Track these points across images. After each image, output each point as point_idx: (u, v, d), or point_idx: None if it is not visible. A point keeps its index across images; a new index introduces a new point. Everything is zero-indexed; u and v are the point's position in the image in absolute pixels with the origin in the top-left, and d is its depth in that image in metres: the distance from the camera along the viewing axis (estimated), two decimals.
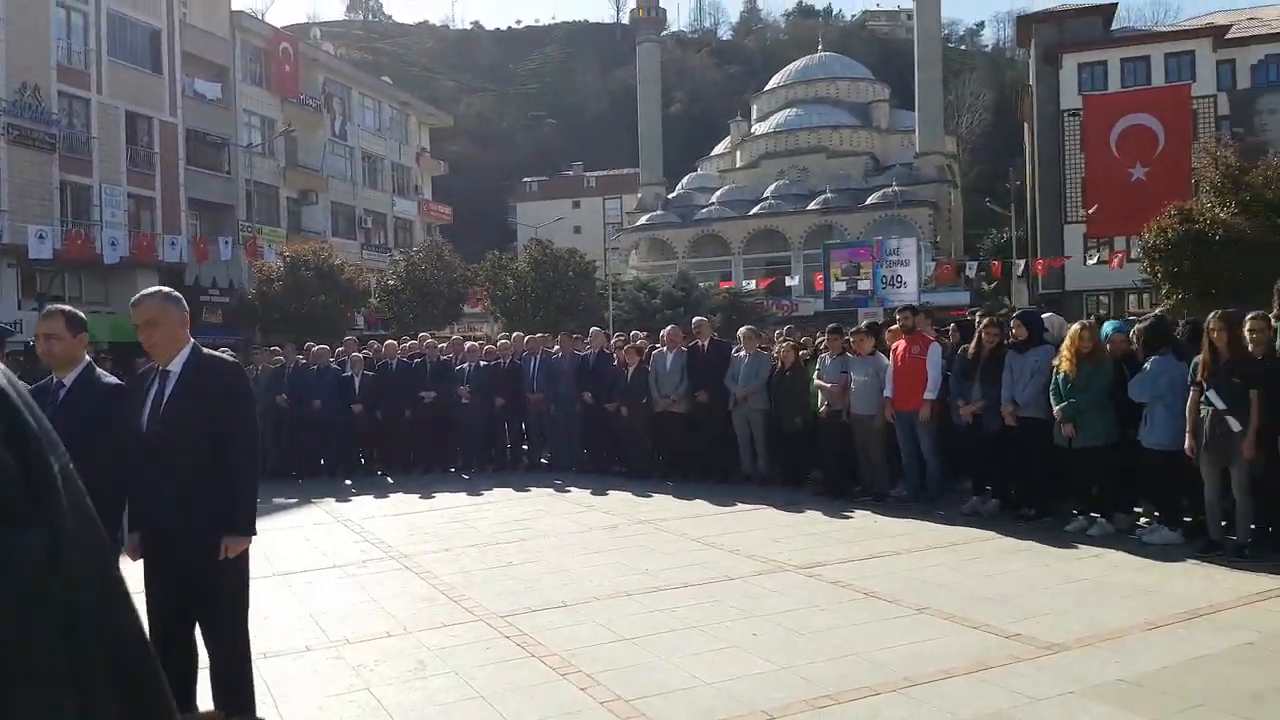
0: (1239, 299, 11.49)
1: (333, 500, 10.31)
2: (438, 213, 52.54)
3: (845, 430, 9.47)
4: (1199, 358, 6.54)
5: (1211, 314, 6.60)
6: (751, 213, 60.38)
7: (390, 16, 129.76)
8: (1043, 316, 8.92)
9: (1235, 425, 6.28)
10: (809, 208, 58.67)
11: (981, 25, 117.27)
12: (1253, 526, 6.53)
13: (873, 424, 9.15)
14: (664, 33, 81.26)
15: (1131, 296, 38.01)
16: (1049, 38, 46.38)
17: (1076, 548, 7.00)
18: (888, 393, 8.99)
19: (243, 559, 3.48)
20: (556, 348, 12.52)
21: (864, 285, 45.10)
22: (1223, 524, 6.63)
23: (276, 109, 39.24)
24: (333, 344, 14.40)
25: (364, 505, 10.03)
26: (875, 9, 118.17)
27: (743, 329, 11.63)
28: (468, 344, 13.32)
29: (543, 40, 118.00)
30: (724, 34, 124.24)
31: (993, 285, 46.11)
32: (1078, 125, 44.76)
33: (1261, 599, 5.42)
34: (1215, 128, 40.37)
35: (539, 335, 13.58)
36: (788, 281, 51.56)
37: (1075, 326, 7.72)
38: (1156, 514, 7.35)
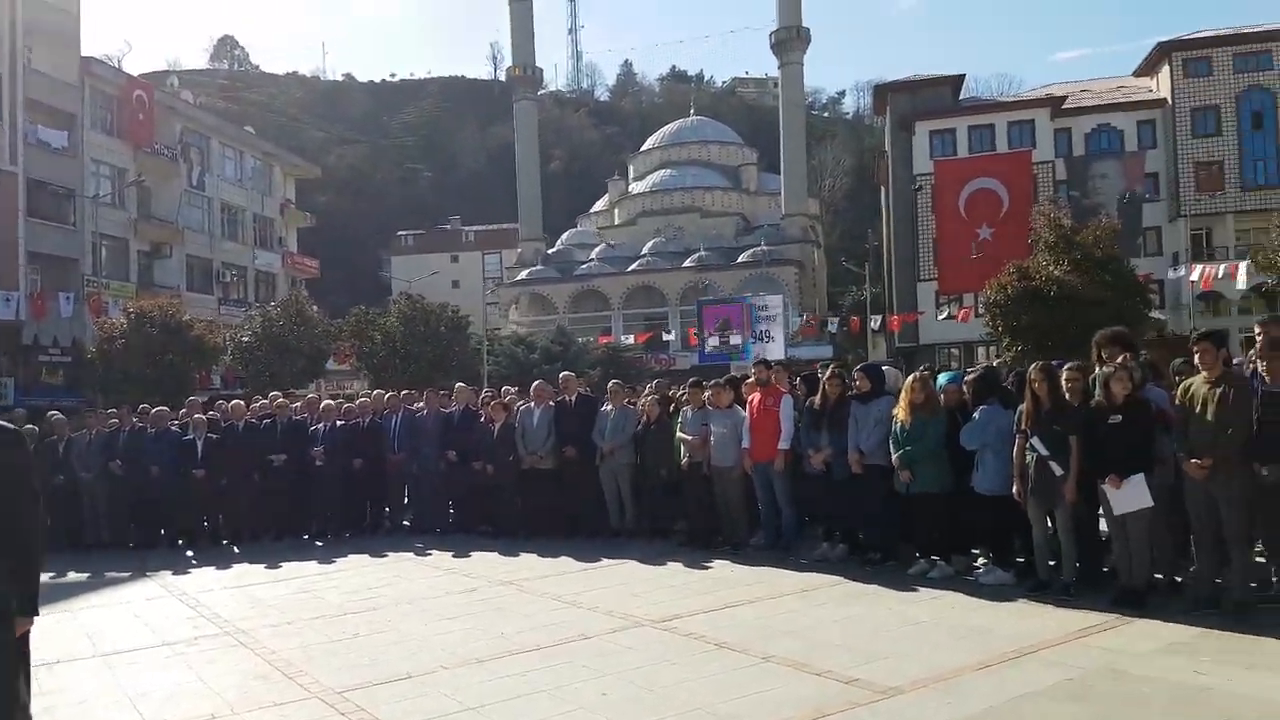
0: (1072, 350, 12.34)
1: (169, 573, 9.65)
2: (303, 265, 51.08)
3: (706, 481, 9.59)
4: (1023, 406, 6.95)
5: (1033, 365, 7.04)
6: (630, 269, 61.31)
7: (257, 66, 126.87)
8: (882, 369, 9.33)
9: (1057, 470, 6.66)
10: (684, 265, 60.01)
11: (843, 94, 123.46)
12: (1076, 565, 6.91)
13: (732, 474, 9.30)
14: (541, 92, 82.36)
15: (980, 349, 40.35)
16: (903, 106, 49.40)
17: (917, 590, 7.24)
18: (745, 444, 9.17)
19: (22, 641, 3.20)
20: (420, 404, 12.25)
21: (735, 340, 46.30)
22: (1051, 564, 6.99)
23: (129, 158, 37.60)
24: (179, 405, 13.65)
25: (203, 577, 9.45)
26: (744, 76, 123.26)
27: (611, 383, 11.72)
28: (323, 403, 12.86)
29: (418, 94, 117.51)
30: (601, 95, 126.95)
31: (856, 338, 47.98)
32: (929, 189, 47.66)
33: (1083, 635, 5.71)
34: (1054, 191, 43.67)
35: (403, 392, 13.27)
36: (665, 336, 52.41)
37: (909, 379, 8.10)
38: (991, 556, 7.68)
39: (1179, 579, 6.76)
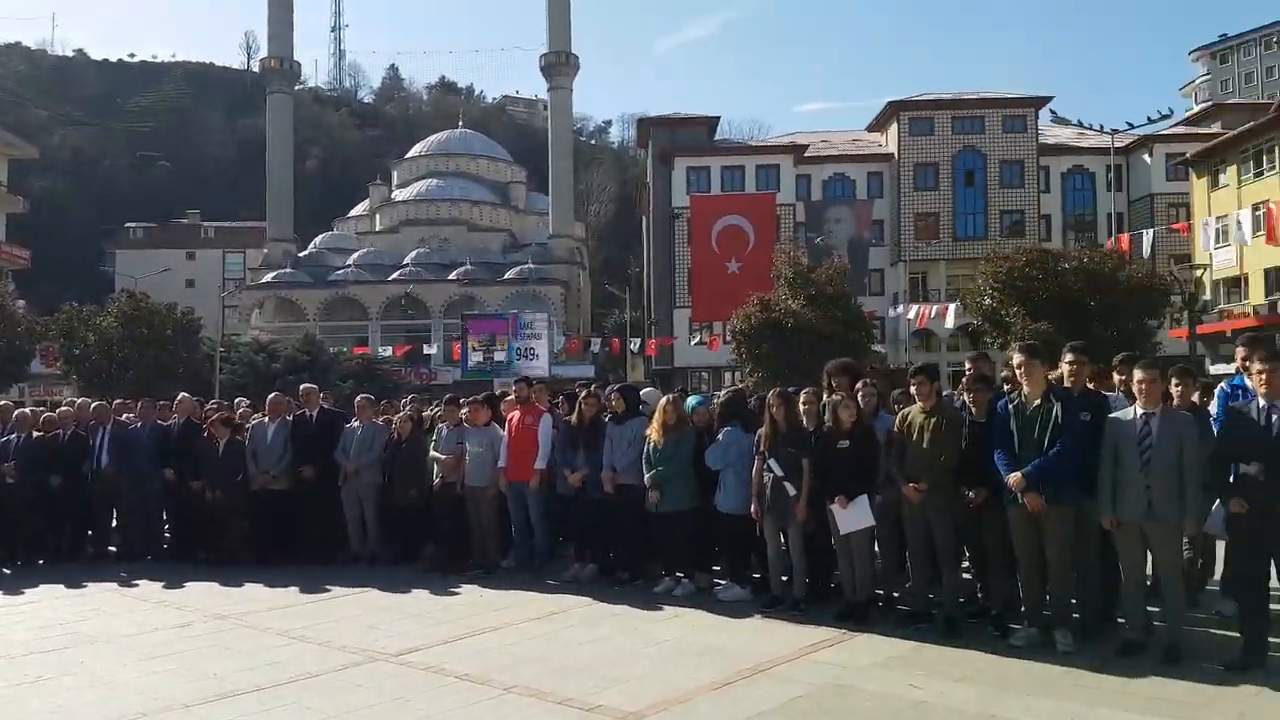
0: (806, 378, 13.18)
1: None
2: (10, 255, 44.94)
3: (460, 503, 9.26)
4: (762, 429, 7.26)
5: (771, 391, 7.39)
6: (391, 278, 59.17)
7: None
8: (641, 391, 9.47)
9: (791, 490, 7.01)
10: (450, 277, 58.81)
11: (609, 123, 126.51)
12: (806, 581, 7.27)
13: (486, 494, 9.04)
14: (299, 86, 77.97)
15: (728, 374, 42.67)
16: (663, 141, 51.43)
17: (662, 609, 7.33)
18: (501, 463, 8.94)
19: None
20: (134, 416, 10.95)
21: (500, 356, 45.95)
22: (785, 579, 7.32)
23: None
24: None
25: None
26: (515, 95, 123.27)
27: (359, 397, 11.03)
28: (16, 411, 11.18)
29: (159, 78, 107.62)
30: (365, 97, 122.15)
31: (620, 359, 49.12)
32: (686, 222, 49.94)
33: (813, 650, 5.98)
34: (794, 232, 47.06)
35: (115, 401, 11.82)
36: (426, 350, 51.01)
37: (662, 400, 8.26)
38: (730, 573, 7.92)
39: (896, 594, 7.29)
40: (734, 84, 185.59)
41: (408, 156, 75.24)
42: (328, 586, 8.63)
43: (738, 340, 24.41)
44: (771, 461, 7.13)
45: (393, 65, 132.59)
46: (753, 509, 7.24)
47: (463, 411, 9.51)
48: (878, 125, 53.65)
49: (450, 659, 6.01)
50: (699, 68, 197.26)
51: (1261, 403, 5.19)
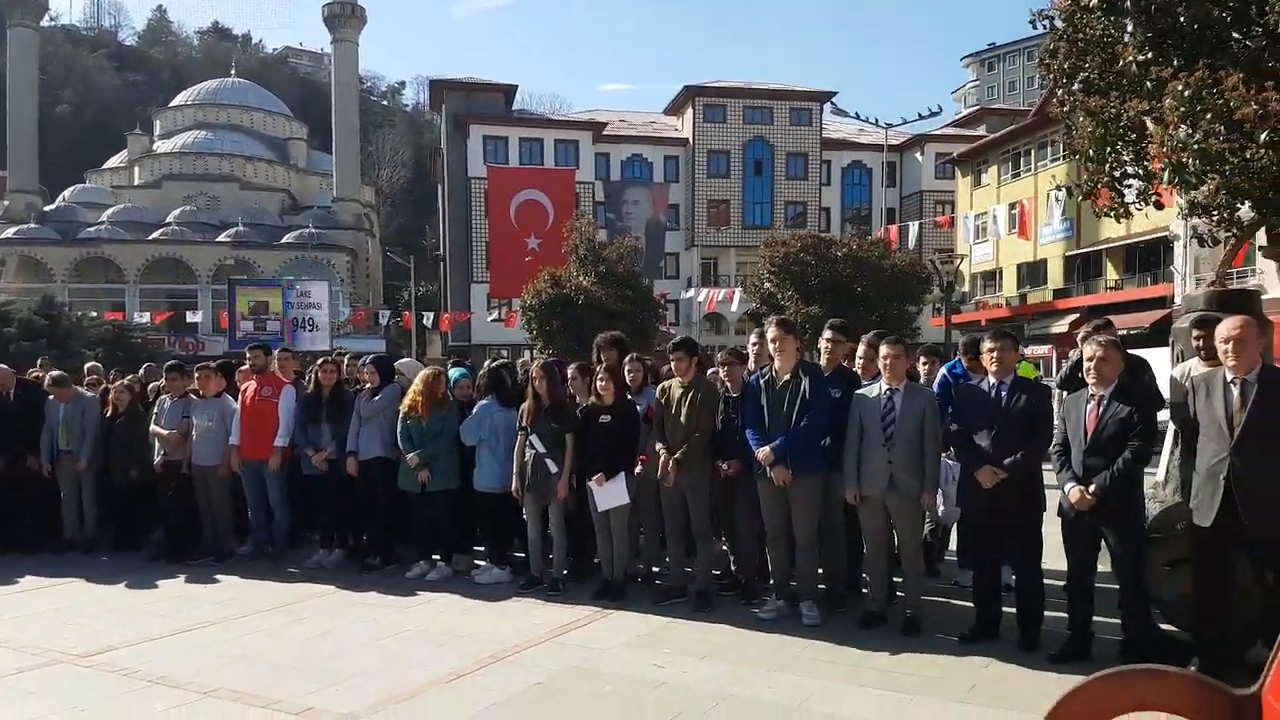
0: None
1: None
2: None
3: (187, 483, 8.27)
4: (525, 404, 6.89)
5: (534, 364, 7.04)
6: (151, 237, 53.74)
7: None
8: (398, 362, 8.85)
9: (553, 467, 6.69)
10: (219, 239, 54.20)
11: (403, 85, 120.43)
12: (569, 559, 7.00)
13: (216, 474, 8.12)
14: (48, 22, 69.29)
15: (527, 352, 42.15)
16: (458, 106, 49.77)
17: (415, 595, 6.83)
18: (234, 440, 8.05)
19: None
20: None
21: (274, 326, 42.98)
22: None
23: None
24: None
25: None
26: (297, 47, 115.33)
27: (90, 366, 9.67)
28: None
29: None
30: (126, 38, 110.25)
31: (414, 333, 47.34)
32: (483, 193, 48.73)
33: (563, 632, 5.70)
34: (593, 212, 47.09)
35: None
36: (191, 317, 46.95)
37: (425, 372, 7.70)
38: (489, 554, 7.52)
39: (657, 569, 7.15)
40: (533, 58, 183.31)
41: (172, 105, 68.52)
42: (22, 577, 7.47)
43: (528, 316, 23.99)
44: (533, 438, 6.78)
45: (160, 6, 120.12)
46: (514, 487, 6.88)
47: (193, 382, 8.49)
48: (674, 109, 54.54)
49: (150, 660, 5.24)
50: (498, 37, 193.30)
51: (992, 379, 5.38)
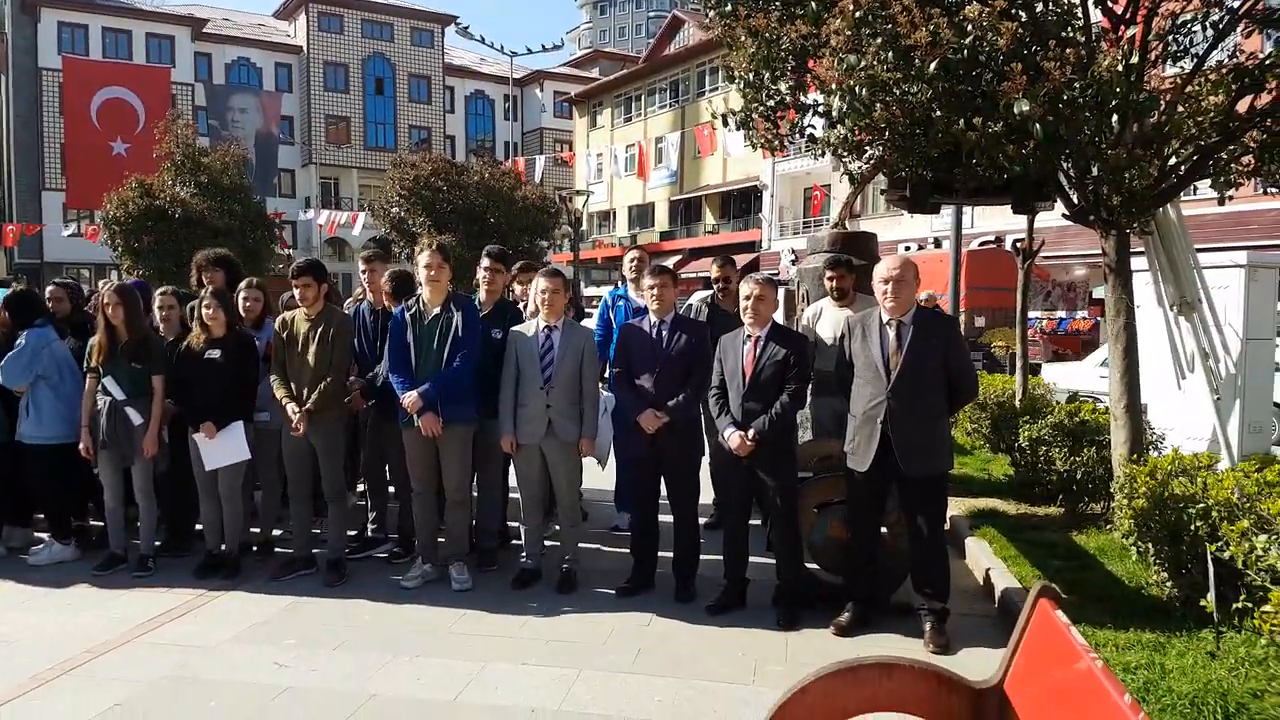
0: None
1: None
2: None
3: None
4: (96, 338, 5.43)
5: (106, 288, 5.57)
6: None
7: None
8: None
9: (136, 417, 5.37)
10: None
11: None
12: (164, 529, 5.73)
13: None
14: None
15: (112, 272, 36.23)
16: None
17: None
18: None
19: None
20: None
21: None
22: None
23: None
24: None
25: None
26: None
27: None
28: None
29: None
30: None
31: None
32: (58, 86, 40.97)
33: (154, 627, 4.55)
34: (193, 116, 41.39)
35: None
36: None
37: None
38: (52, 527, 5.95)
39: (278, 533, 6.11)
40: None
41: None
42: None
43: (112, 230, 20.24)
44: (107, 380, 5.37)
45: None
46: (83, 443, 5.43)
47: None
48: (286, 13, 49.65)
49: None
50: None
51: (653, 318, 5.11)
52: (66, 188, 41.06)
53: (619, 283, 6.98)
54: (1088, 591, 4.60)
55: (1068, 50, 4.44)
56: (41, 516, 6.03)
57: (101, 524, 5.79)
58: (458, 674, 3.94)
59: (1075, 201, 5.34)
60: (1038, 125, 4.31)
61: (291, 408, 5.15)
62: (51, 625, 4.57)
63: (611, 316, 6.39)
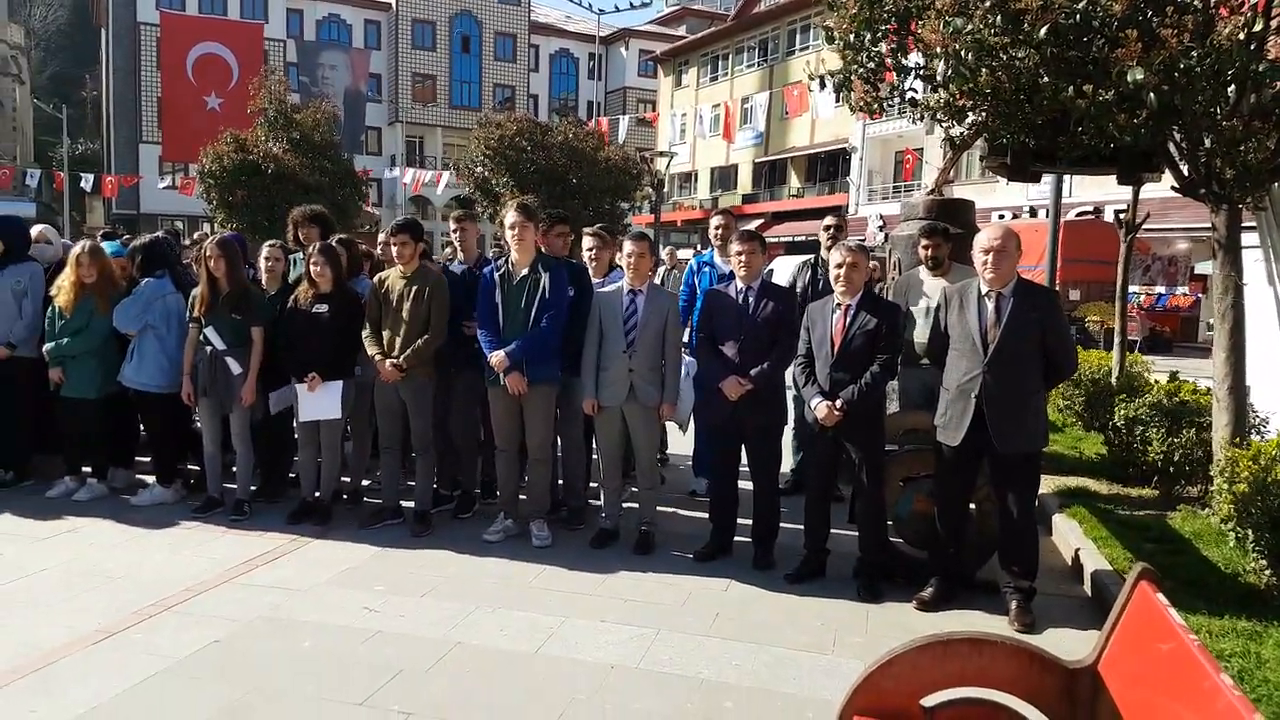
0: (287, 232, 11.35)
1: None
2: None
3: None
4: (197, 290, 5.65)
5: (208, 240, 5.77)
6: None
7: None
8: (35, 228, 7.02)
9: (235, 367, 5.57)
10: None
11: None
12: (259, 473, 5.97)
13: None
14: None
15: (206, 225, 37.52)
16: None
17: (58, 519, 5.52)
18: None
19: None
20: None
21: None
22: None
23: None
24: None
25: None
26: None
27: None
28: None
29: None
30: None
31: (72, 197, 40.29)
32: (155, 41, 42.31)
33: (249, 569, 4.76)
34: (284, 72, 42.30)
35: None
36: None
37: (77, 248, 6.11)
38: (158, 469, 6.25)
39: (367, 483, 6.31)
40: None
41: None
42: None
43: (207, 184, 20.92)
44: (209, 331, 5.58)
45: None
46: (184, 391, 5.67)
47: None
48: None
49: None
50: None
51: (740, 284, 5.05)
52: (163, 141, 42.47)
53: (698, 247, 6.93)
54: (1181, 576, 4.45)
55: (1185, 17, 4.25)
56: (145, 459, 6.36)
57: (199, 469, 6.06)
58: (539, 627, 4.03)
59: (1185, 174, 5.09)
60: (1152, 95, 4.14)
61: (389, 363, 5.26)
62: (151, 564, 4.82)
63: (696, 282, 6.36)
